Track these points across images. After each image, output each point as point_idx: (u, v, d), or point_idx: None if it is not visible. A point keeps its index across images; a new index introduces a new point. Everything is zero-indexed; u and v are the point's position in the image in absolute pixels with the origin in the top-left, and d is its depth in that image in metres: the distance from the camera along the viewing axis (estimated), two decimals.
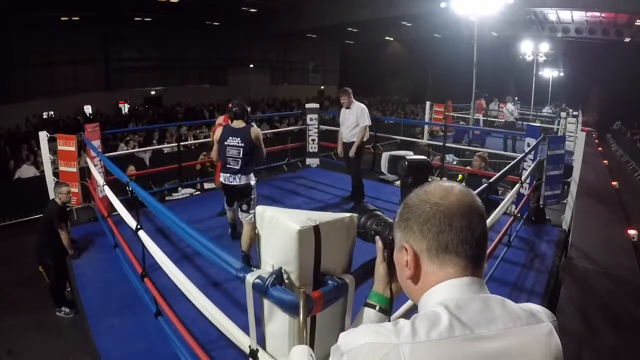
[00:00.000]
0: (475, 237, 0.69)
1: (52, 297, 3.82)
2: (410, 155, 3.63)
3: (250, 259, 3.28)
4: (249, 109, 3.51)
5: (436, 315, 0.64)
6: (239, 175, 3.37)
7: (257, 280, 1.12)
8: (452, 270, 0.69)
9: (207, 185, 6.31)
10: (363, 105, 5.12)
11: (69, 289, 3.80)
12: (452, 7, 9.71)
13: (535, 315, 0.69)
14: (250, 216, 3.37)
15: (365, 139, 5.22)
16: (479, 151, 5.83)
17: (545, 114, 16.17)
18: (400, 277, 0.76)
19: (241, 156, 3.32)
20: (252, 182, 3.46)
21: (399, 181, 6.44)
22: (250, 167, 3.43)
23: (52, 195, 4.44)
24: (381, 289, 0.93)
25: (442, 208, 0.69)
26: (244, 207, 3.45)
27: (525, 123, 9.35)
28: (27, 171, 7.71)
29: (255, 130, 3.42)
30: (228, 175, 3.40)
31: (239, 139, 3.33)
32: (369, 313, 0.92)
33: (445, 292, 0.69)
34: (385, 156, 3.77)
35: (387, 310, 0.92)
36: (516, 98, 13.45)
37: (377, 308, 0.92)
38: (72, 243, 3.95)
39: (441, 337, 0.61)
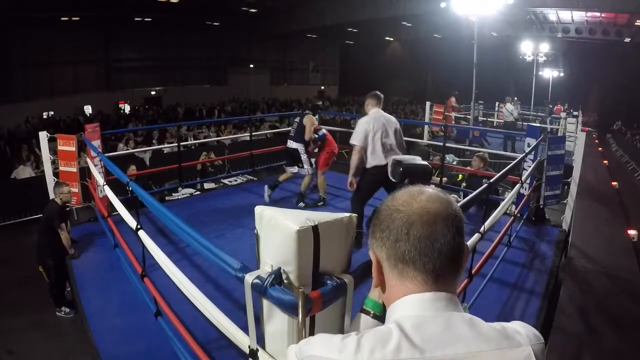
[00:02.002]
0: (437, 249, 0.63)
1: (52, 297, 3.82)
2: (414, 160, 3.48)
3: (305, 197, 5.15)
4: (318, 104, 6.23)
5: (387, 334, 0.60)
6: (292, 141, 5.13)
7: (256, 280, 1.12)
8: (411, 284, 0.65)
9: (207, 186, 6.32)
10: (365, 117, 3.85)
11: (69, 289, 3.80)
12: (452, 7, 9.72)
13: (510, 338, 0.61)
14: (304, 170, 5.11)
15: (362, 164, 3.80)
16: (479, 151, 5.83)
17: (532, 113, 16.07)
18: (373, 283, 0.74)
19: (295, 129, 5.12)
20: (300, 149, 5.07)
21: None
22: (300, 139, 5.05)
23: (52, 195, 4.44)
24: (376, 296, 0.90)
25: (401, 215, 0.65)
26: (300, 165, 5.12)
27: (525, 123, 9.34)
28: (23, 172, 7.70)
29: (306, 118, 5.04)
30: (288, 140, 5.18)
31: (298, 119, 5.15)
32: (363, 319, 0.90)
33: (404, 309, 0.64)
34: (390, 161, 3.60)
35: (381, 317, 0.88)
36: (515, 98, 13.42)
37: (372, 315, 0.89)
38: (72, 243, 3.95)
39: (384, 358, 0.57)
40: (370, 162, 3.76)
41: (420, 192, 0.67)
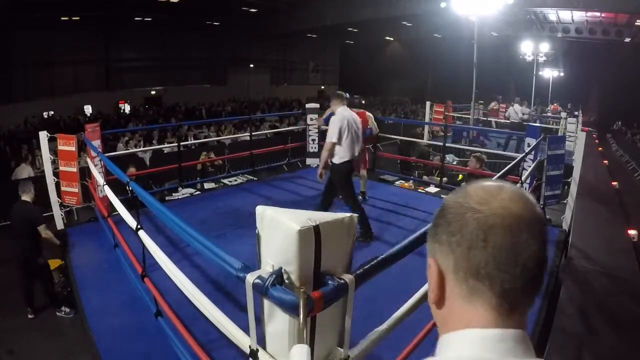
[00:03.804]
0: (520, 263, 0.50)
1: (50, 296, 3.82)
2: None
3: None
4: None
5: None
6: None
7: (257, 280, 1.12)
8: (482, 308, 0.52)
9: (207, 185, 6.32)
10: (336, 116, 4.08)
11: (69, 289, 3.80)
12: (452, 7, 9.71)
13: None
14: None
15: (334, 159, 4.03)
16: (478, 151, 5.83)
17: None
18: (428, 298, 0.59)
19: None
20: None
21: (399, 181, 6.44)
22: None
23: (52, 196, 4.44)
24: None
25: (478, 216, 0.52)
26: None
27: (530, 123, 9.30)
28: (22, 171, 7.69)
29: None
30: None
31: None
32: None
33: (462, 347, 0.52)
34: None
35: None
36: (517, 98, 13.40)
37: None
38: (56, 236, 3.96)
39: None
40: (341, 158, 4.01)
41: (500, 189, 0.54)
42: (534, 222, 0.52)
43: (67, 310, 3.78)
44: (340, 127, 3.97)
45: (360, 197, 5.23)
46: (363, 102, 5.60)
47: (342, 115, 4.03)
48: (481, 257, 0.51)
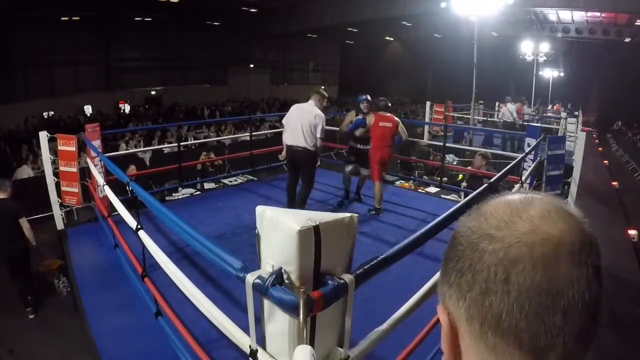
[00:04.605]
0: (561, 310, 0.36)
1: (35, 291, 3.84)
2: None
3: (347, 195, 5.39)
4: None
5: None
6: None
7: (257, 280, 1.12)
8: None
9: (207, 186, 6.32)
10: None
11: (69, 289, 3.80)
12: (452, 7, 9.71)
13: None
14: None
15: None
16: (479, 151, 5.83)
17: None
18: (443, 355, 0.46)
19: None
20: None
21: (399, 181, 6.45)
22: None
23: (52, 196, 4.44)
24: None
25: (495, 247, 0.38)
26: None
27: (525, 123, 9.35)
28: (22, 173, 7.69)
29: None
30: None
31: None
32: None
33: None
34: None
35: None
36: (509, 97, 13.37)
37: None
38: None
39: None
40: (283, 141, 4.59)
41: (527, 203, 0.40)
42: (580, 248, 0.38)
43: (30, 310, 3.78)
44: (286, 115, 4.56)
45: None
46: (390, 104, 5.19)
47: (293, 108, 4.56)
48: (501, 305, 0.36)
